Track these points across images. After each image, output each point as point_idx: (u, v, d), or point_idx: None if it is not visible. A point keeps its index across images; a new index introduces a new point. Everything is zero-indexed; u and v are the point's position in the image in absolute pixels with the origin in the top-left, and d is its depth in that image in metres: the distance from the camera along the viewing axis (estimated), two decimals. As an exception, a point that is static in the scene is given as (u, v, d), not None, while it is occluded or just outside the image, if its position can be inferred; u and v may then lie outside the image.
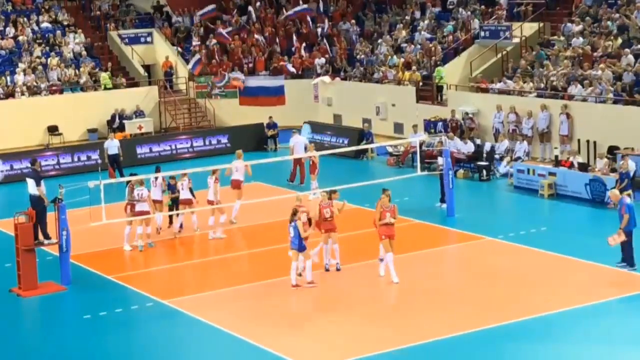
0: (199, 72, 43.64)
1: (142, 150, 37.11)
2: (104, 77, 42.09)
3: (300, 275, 21.10)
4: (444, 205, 26.93)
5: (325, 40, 44.56)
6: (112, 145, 33.57)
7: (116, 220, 25.47)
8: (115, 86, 42.48)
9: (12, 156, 35.31)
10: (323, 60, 43.34)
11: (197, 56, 43.70)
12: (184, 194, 25.16)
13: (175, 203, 25.62)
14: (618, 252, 22.15)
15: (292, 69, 43.53)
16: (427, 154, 32.50)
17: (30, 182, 22.59)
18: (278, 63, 43.70)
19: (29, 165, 24.33)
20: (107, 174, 32.08)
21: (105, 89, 41.82)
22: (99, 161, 33.74)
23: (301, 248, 20.73)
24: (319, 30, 44.99)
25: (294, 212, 20.85)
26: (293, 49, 44.63)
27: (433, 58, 39.45)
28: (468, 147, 31.93)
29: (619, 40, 34.11)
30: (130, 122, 40.61)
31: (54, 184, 23.71)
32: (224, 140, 38.57)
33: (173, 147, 37.52)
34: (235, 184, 26.56)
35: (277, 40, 45.12)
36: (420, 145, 31.20)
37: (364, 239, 23.08)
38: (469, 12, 40.93)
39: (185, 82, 44.35)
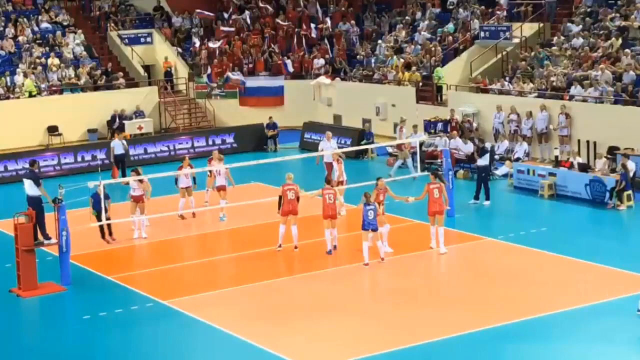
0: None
1: (139, 151, 37.07)
2: (29, 83, 40.75)
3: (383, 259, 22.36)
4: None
5: (325, 41, 44.59)
6: (119, 145, 33.56)
7: (116, 220, 25.52)
8: (117, 87, 42.52)
9: (7, 157, 35.26)
10: (322, 61, 43.35)
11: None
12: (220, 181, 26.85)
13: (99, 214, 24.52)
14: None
15: (291, 68, 43.55)
16: (427, 154, 32.56)
17: (28, 183, 22.58)
18: (277, 61, 43.76)
19: (28, 166, 24.29)
20: (110, 174, 32.09)
21: (30, 96, 40.64)
22: (107, 161, 33.66)
23: (377, 228, 22.22)
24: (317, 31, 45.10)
25: (367, 196, 22.18)
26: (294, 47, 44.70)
27: (433, 58, 39.45)
28: (468, 148, 31.93)
29: (619, 41, 34.11)
30: (130, 123, 40.61)
31: (54, 184, 23.70)
32: (230, 139, 38.60)
33: (172, 147, 37.49)
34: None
35: (277, 40, 45.22)
36: (420, 145, 31.25)
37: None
38: (469, 13, 40.93)
39: (185, 82, 44.36)
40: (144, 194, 25.50)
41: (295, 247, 23.65)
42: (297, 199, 23.59)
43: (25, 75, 41.10)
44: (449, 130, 34.23)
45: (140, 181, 25.34)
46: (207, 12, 46.45)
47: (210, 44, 44.69)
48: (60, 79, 41.97)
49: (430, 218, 23.30)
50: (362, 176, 30.45)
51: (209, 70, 43.65)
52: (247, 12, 46.63)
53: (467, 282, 21.35)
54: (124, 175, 32.25)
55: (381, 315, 19.33)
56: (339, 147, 33.31)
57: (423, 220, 25.41)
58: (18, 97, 40.46)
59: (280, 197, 23.79)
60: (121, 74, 43.50)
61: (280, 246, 23.71)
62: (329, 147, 29.94)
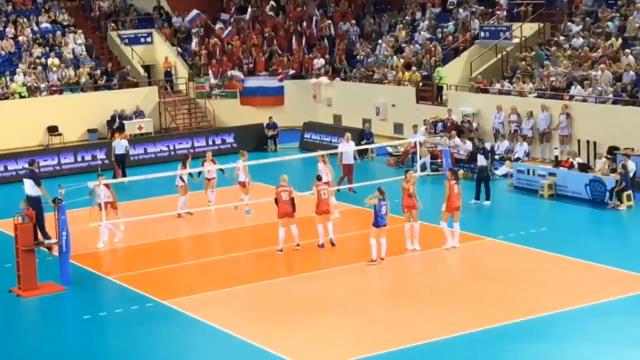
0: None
1: (139, 151, 37.06)
2: (15, 86, 40.56)
3: (382, 259, 22.36)
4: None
5: (325, 41, 44.59)
6: (120, 145, 33.55)
7: (115, 220, 25.55)
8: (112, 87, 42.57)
9: (7, 157, 35.22)
10: (322, 60, 43.35)
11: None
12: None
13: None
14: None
15: (291, 72, 43.54)
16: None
17: (28, 183, 22.55)
18: (278, 66, 43.73)
19: (27, 165, 24.28)
20: (113, 174, 32.08)
21: (21, 97, 40.50)
22: (107, 161, 33.61)
23: (386, 224, 22.33)
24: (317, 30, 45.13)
25: (382, 191, 22.27)
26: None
27: (433, 58, 39.45)
28: (467, 147, 31.93)
29: (619, 41, 34.12)
30: (130, 123, 40.62)
31: (54, 184, 23.70)
32: (230, 139, 38.61)
33: (171, 147, 37.43)
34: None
35: (276, 41, 45.20)
36: (420, 145, 31.26)
37: (364, 239, 23.08)
38: (469, 13, 40.93)
39: (185, 82, 44.36)
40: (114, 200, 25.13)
41: (297, 245, 23.68)
42: (292, 200, 23.57)
43: (12, 80, 40.95)
44: (446, 130, 34.26)
45: (107, 187, 25.01)
46: (198, 13, 46.48)
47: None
48: (60, 79, 41.97)
49: (446, 214, 23.19)
50: (362, 176, 30.49)
51: (210, 72, 43.65)
52: (248, 12, 46.62)
53: (467, 282, 21.36)
54: (124, 175, 32.27)
55: (381, 315, 19.33)
56: (337, 148, 33.33)
57: (423, 220, 25.41)
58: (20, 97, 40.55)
59: (276, 200, 23.77)
60: (129, 67, 43.56)
61: (281, 250, 23.64)
62: (348, 149, 29.67)
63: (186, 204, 27.57)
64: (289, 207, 23.53)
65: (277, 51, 44.49)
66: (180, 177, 27.53)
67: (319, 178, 24.46)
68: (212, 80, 43.40)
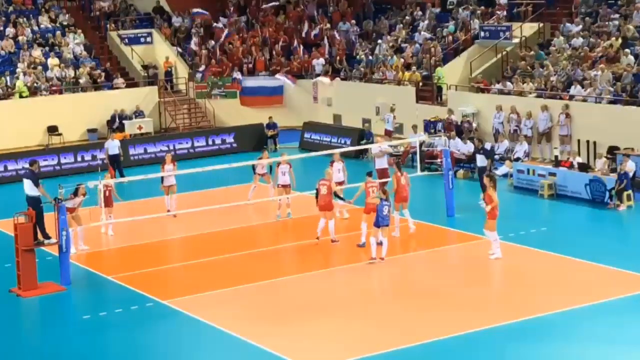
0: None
1: (139, 151, 37.05)
2: (19, 84, 40.57)
3: (383, 259, 22.24)
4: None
5: (325, 41, 44.59)
6: (113, 146, 33.60)
7: (116, 220, 25.56)
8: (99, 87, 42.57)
9: (7, 157, 35.23)
10: (322, 60, 43.34)
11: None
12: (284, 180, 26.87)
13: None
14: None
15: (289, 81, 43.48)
16: (427, 154, 32.55)
17: (27, 183, 22.54)
18: (278, 66, 43.80)
19: (28, 165, 24.25)
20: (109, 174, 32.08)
21: (21, 97, 40.52)
22: (106, 161, 33.67)
23: (388, 224, 22.35)
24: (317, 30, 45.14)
25: (385, 192, 22.35)
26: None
27: (433, 58, 39.46)
28: (468, 147, 31.93)
29: (619, 41, 34.12)
30: (130, 123, 40.63)
31: (54, 184, 23.69)
32: (230, 139, 38.60)
33: (171, 147, 37.38)
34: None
35: (272, 42, 45.22)
36: (420, 145, 31.25)
37: (366, 239, 23.07)
38: (469, 13, 40.93)
39: (185, 82, 44.36)
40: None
41: (332, 241, 23.80)
42: (331, 194, 23.75)
43: (17, 77, 40.89)
44: (444, 130, 34.27)
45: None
46: (202, 11, 46.36)
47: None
48: (60, 79, 41.96)
49: (493, 223, 22.24)
50: (362, 176, 30.44)
51: (201, 68, 43.71)
52: (245, 16, 46.72)
53: (467, 282, 21.33)
54: (121, 175, 32.28)
55: (381, 315, 19.31)
56: (337, 147, 33.36)
57: (423, 220, 25.44)
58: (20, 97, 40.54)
59: (317, 192, 23.89)
60: (153, 63, 43.75)
61: (318, 238, 23.83)
62: (378, 149, 29.17)
63: (171, 203, 27.63)
64: (327, 201, 23.70)
65: (274, 54, 44.52)
66: (162, 179, 27.50)
67: (370, 174, 24.26)
68: (199, 78, 43.45)
